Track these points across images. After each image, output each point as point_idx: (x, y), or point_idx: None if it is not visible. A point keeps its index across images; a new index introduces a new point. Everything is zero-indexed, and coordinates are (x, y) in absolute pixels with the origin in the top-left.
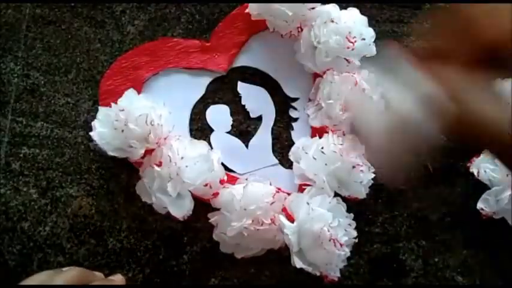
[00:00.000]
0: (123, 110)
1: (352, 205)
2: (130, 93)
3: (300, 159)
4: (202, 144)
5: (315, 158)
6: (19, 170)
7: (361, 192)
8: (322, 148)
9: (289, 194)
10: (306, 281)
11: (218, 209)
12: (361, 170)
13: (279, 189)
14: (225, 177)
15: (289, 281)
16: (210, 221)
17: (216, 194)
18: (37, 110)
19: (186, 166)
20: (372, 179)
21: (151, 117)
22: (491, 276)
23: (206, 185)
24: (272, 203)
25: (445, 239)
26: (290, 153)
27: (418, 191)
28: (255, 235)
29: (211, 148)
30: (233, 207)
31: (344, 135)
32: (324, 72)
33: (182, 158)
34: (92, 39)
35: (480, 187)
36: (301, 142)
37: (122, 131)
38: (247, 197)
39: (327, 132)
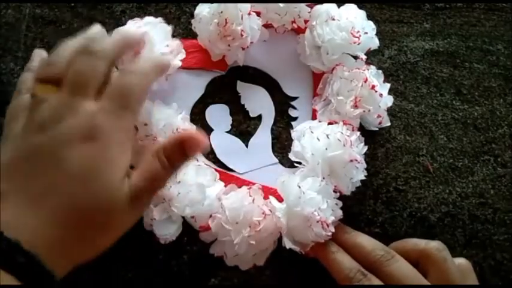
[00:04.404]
0: (146, 125)
1: (352, 205)
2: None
3: (302, 137)
4: (207, 172)
5: (318, 139)
6: None
7: (347, 189)
8: (329, 133)
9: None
10: (307, 281)
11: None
12: (356, 167)
13: (249, 182)
14: (218, 214)
15: (289, 281)
16: (215, 255)
17: (202, 228)
18: None
19: (178, 193)
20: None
21: (176, 124)
22: (491, 276)
23: (193, 217)
24: (253, 200)
25: (445, 239)
26: (294, 130)
27: (418, 191)
28: (260, 236)
29: (212, 149)
30: (227, 230)
31: (353, 130)
32: (333, 69)
33: (179, 182)
34: None
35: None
36: (309, 123)
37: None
38: (231, 212)
39: (337, 123)
